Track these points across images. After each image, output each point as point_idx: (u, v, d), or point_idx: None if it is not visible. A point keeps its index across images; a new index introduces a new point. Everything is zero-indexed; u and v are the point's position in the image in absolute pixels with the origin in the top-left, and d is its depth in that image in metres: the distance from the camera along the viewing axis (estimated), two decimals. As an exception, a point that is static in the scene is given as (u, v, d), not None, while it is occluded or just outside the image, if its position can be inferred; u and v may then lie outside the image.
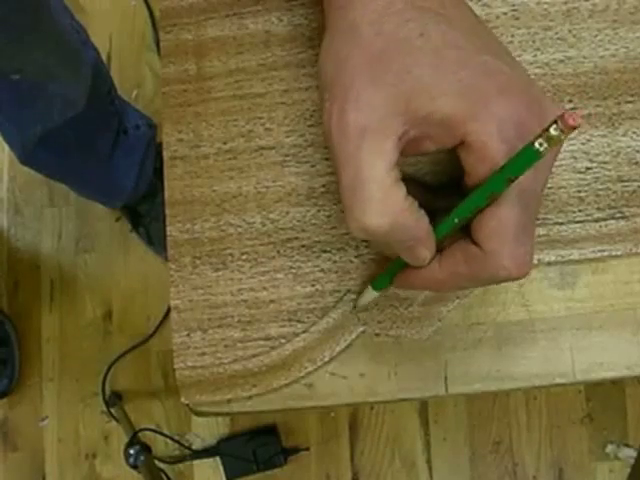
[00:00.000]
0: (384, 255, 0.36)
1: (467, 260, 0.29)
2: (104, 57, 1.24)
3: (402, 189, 0.28)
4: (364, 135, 0.27)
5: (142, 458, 1.03)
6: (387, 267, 0.34)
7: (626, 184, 0.37)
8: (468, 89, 0.28)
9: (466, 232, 0.30)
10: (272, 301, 0.37)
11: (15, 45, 0.68)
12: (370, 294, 0.36)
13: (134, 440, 1.05)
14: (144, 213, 1.20)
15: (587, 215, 0.37)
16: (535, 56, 0.37)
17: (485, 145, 0.28)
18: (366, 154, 0.27)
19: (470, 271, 0.29)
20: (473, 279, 0.30)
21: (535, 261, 0.37)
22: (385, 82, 0.28)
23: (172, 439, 1.18)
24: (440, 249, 0.31)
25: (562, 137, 0.24)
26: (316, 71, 0.38)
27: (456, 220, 0.29)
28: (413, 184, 0.30)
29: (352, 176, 0.28)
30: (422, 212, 0.29)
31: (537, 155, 0.25)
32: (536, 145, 0.25)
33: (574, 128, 0.24)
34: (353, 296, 0.37)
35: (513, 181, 0.27)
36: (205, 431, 1.20)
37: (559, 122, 0.24)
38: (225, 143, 0.38)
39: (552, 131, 0.24)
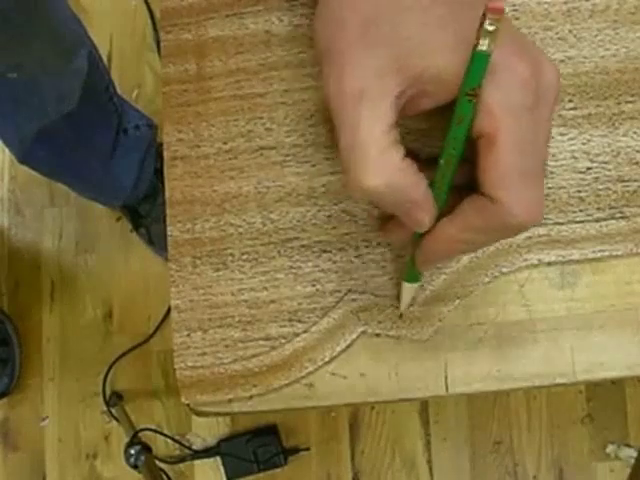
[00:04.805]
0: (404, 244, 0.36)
1: (478, 212, 0.30)
2: (105, 57, 1.25)
3: (400, 150, 0.29)
4: (361, 98, 0.28)
5: (142, 458, 1.03)
6: (408, 256, 0.35)
7: (626, 184, 0.37)
8: (459, 42, 0.28)
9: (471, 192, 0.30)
10: (272, 301, 0.37)
11: (16, 41, 0.67)
12: (408, 289, 0.36)
13: (134, 440, 1.05)
14: (145, 214, 1.20)
15: (587, 215, 0.37)
16: (535, 56, 0.37)
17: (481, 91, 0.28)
18: (363, 116, 0.28)
19: (483, 222, 0.30)
20: (487, 231, 0.30)
21: (535, 261, 0.37)
22: (378, 44, 0.28)
23: (173, 439, 1.18)
24: (447, 211, 0.31)
25: (498, 27, 0.26)
26: (317, 70, 0.38)
27: (442, 161, 0.30)
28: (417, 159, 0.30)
29: (350, 138, 0.29)
30: (421, 175, 0.30)
31: (484, 55, 0.27)
32: (480, 47, 0.26)
33: (501, 11, 0.25)
34: (353, 296, 0.37)
35: (474, 95, 0.28)
36: (205, 431, 1.20)
37: (487, 14, 0.25)
38: (225, 143, 0.38)
39: (487, 26, 0.26)
